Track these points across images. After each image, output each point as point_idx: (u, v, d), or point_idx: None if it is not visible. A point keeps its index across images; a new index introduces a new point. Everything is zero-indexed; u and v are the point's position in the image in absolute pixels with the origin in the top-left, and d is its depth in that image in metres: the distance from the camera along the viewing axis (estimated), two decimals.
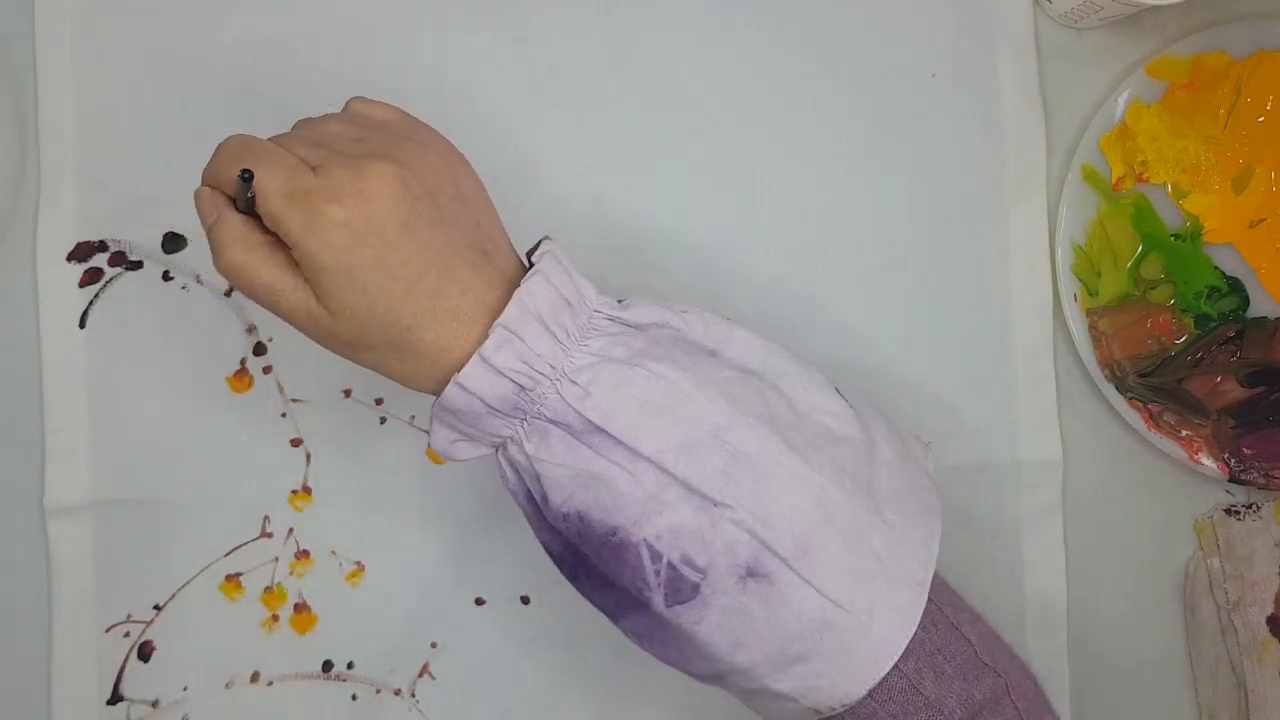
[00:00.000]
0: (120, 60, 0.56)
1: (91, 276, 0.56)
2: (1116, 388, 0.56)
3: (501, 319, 0.41)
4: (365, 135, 0.43)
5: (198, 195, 0.43)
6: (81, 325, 0.56)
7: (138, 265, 0.56)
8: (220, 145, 0.43)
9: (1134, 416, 0.56)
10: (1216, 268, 0.57)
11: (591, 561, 0.43)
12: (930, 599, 0.43)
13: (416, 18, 0.57)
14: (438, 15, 0.57)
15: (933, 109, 0.57)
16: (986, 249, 0.58)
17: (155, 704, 0.56)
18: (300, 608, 0.56)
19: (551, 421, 0.42)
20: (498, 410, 0.41)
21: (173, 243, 0.56)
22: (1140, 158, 0.56)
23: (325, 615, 0.56)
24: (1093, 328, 0.57)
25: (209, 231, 0.42)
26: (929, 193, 0.57)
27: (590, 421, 0.41)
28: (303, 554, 0.56)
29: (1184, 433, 0.56)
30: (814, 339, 0.57)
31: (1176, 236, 0.57)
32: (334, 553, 0.56)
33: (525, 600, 0.57)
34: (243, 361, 0.56)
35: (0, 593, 0.56)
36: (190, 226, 0.56)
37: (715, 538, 0.41)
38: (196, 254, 0.56)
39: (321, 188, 0.40)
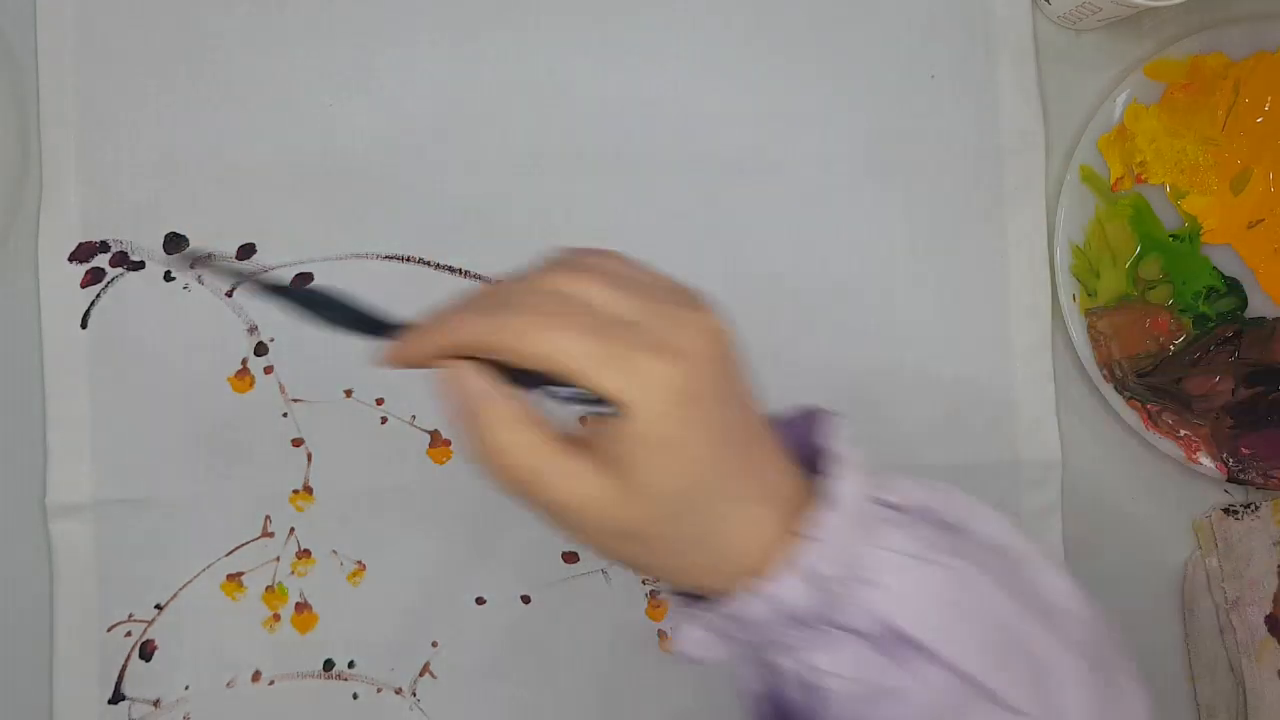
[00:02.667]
0: (122, 60, 0.56)
1: (93, 277, 0.56)
2: (1115, 388, 0.57)
3: (819, 520, 0.35)
4: (640, 304, 0.34)
5: (457, 376, 0.34)
6: (83, 325, 0.56)
7: (139, 265, 0.56)
8: (469, 301, 0.34)
9: (1132, 416, 0.57)
10: (1215, 268, 0.57)
11: None
12: None
13: (415, 14, 0.57)
14: (436, 13, 0.57)
15: (932, 109, 0.58)
16: (985, 249, 0.58)
17: (157, 703, 0.56)
18: (301, 607, 0.56)
19: (843, 629, 0.36)
20: (801, 621, 0.35)
21: (174, 243, 0.56)
22: (1139, 158, 0.57)
23: (326, 614, 0.56)
24: (1091, 328, 0.57)
25: (476, 413, 0.34)
26: (928, 193, 0.58)
27: (893, 629, 0.35)
28: (304, 553, 0.56)
29: (1182, 432, 0.57)
30: (813, 339, 0.57)
31: (1175, 237, 0.57)
32: (335, 552, 0.56)
33: (525, 600, 0.57)
34: (244, 361, 0.56)
35: (2, 592, 0.56)
36: (191, 226, 0.56)
37: None
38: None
39: (637, 341, 0.33)
